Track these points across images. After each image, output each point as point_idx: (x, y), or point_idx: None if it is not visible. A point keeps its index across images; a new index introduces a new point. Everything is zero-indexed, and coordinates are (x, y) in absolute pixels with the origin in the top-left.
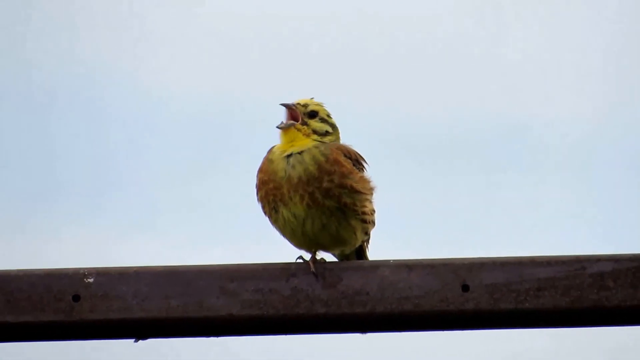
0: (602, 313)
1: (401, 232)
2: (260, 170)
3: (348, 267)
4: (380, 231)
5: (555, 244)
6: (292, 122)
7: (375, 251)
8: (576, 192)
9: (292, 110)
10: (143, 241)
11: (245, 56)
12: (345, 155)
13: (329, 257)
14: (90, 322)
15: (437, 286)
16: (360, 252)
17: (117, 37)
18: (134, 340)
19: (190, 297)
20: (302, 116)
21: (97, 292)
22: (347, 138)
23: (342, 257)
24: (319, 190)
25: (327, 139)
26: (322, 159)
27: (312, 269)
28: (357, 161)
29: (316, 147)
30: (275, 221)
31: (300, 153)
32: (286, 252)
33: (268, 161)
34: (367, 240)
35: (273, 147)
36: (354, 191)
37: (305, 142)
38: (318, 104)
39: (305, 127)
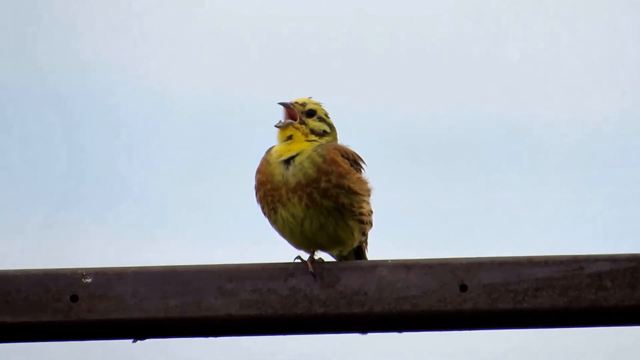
0: (600, 313)
1: (399, 232)
2: (259, 172)
3: (346, 267)
4: (378, 231)
5: (553, 244)
6: (290, 121)
7: (374, 251)
8: (574, 192)
9: (290, 109)
10: (141, 241)
11: (245, 56)
12: (342, 156)
13: (327, 257)
14: (89, 322)
15: (435, 286)
16: (359, 253)
17: (116, 37)
18: (132, 340)
19: (189, 297)
20: (300, 115)
21: (95, 293)
22: (347, 138)
23: (341, 258)
24: (316, 190)
25: (324, 139)
26: (319, 160)
27: (310, 269)
28: (354, 161)
29: (314, 149)
30: (274, 221)
31: (298, 158)
32: (284, 252)
33: (266, 162)
34: (365, 241)
35: (271, 149)
36: (352, 192)
37: (303, 145)
38: (316, 103)
39: (303, 126)
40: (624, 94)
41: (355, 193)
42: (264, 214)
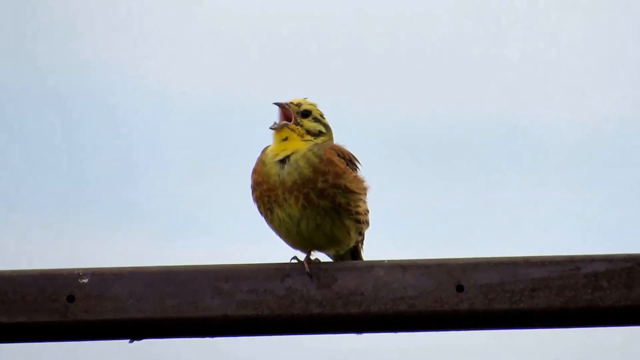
0: (596, 313)
1: (396, 233)
2: (254, 172)
3: (342, 268)
4: (375, 231)
5: (549, 244)
6: (285, 122)
7: (370, 251)
8: (571, 192)
9: (286, 110)
10: (138, 241)
11: (244, 55)
12: (338, 155)
13: (323, 257)
14: (85, 322)
15: (432, 286)
16: (355, 253)
17: (115, 37)
18: (129, 340)
19: (185, 297)
20: (295, 115)
21: (91, 293)
22: (346, 137)
23: (337, 258)
24: (313, 190)
25: (320, 139)
26: (315, 160)
27: (307, 269)
28: (350, 161)
29: (309, 149)
30: (270, 221)
31: (293, 157)
32: (281, 252)
33: (261, 163)
34: (362, 241)
35: (266, 148)
36: (348, 191)
37: (298, 145)
38: (311, 104)
39: (298, 127)
40: (624, 95)
41: (352, 192)
42: (261, 213)
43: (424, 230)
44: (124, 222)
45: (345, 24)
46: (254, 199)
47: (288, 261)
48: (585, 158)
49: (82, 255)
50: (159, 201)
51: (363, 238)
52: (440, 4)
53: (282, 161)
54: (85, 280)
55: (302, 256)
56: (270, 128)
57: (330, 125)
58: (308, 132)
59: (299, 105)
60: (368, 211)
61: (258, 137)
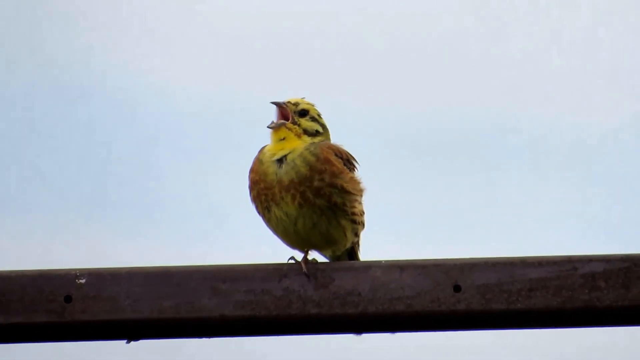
0: (594, 313)
1: (393, 232)
2: (252, 171)
3: (340, 268)
4: (372, 231)
5: (546, 244)
6: (282, 121)
7: (367, 251)
8: (568, 192)
9: (283, 109)
10: (134, 241)
11: (244, 54)
12: (336, 155)
13: (321, 258)
14: (82, 323)
15: (429, 287)
16: (352, 253)
17: (117, 35)
18: (126, 341)
19: (182, 297)
20: (292, 115)
21: (89, 293)
22: (343, 136)
23: (334, 258)
24: (309, 189)
25: (317, 138)
26: (312, 159)
27: (304, 269)
28: (348, 161)
29: (306, 148)
30: (268, 220)
31: (290, 156)
32: (278, 253)
33: (259, 162)
34: (358, 242)
35: (264, 148)
36: (344, 191)
37: (295, 144)
38: (309, 103)
39: (296, 126)
40: (624, 94)
41: (348, 192)
42: (258, 213)
43: (421, 230)
44: (121, 223)
45: (344, 22)
46: (251, 198)
47: (285, 261)
48: (583, 157)
49: (80, 255)
50: (155, 201)
51: (359, 240)
52: (440, 2)
53: (280, 160)
54: (83, 281)
55: (299, 256)
56: (268, 127)
57: (328, 125)
58: (305, 131)
59: (296, 104)
60: (364, 212)
61: (256, 136)
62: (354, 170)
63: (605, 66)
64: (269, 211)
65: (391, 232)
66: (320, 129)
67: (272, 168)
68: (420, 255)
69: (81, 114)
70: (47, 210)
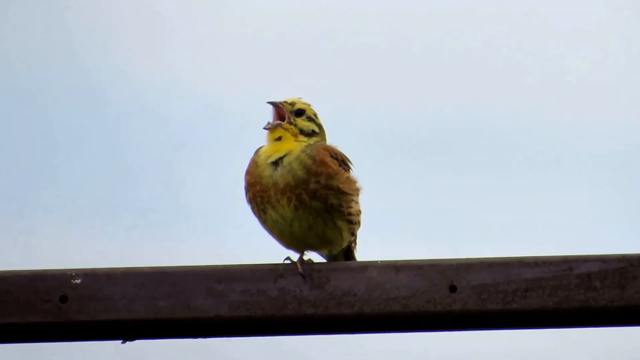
0: (590, 313)
1: (389, 233)
2: (247, 173)
3: (336, 268)
4: (368, 232)
5: (542, 244)
6: (278, 122)
7: (363, 252)
8: (564, 192)
9: (279, 108)
10: (130, 241)
11: (244, 54)
12: (331, 156)
13: (317, 258)
14: (78, 323)
15: (425, 287)
16: (348, 253)
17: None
18: (121, 341)
19: (178, 298)
20: (289, 114)
21: (84, 293)
22: (340, 137)
23: (330, 258)
24: (306, 191)
25: (313, 139)
26: (309, 161)
27: (300, 270)
28: (343, 162)
29: (302, 150)
30: (264, 222)
31: (286, 159)
32: (274, 253)
33: (254, 164)
34: (354, 242)
35: (259, 149)
36: (340, 192)
37: (291, 145)
38: (305, 103)
39: (292, 126)
40: (625, 94)
41: (344, 193)
42: (254, 214)
43: (416, 230)
44: (113, 223)
45: (342, 20)
46: (247, 200)
47: (281, 262)
48: (579, 158)
49: (75, 255)
50: (152, 202)
51: (355, 239)
52: (439, 1)
53: (275, 163)
54: (78, 281)
55: (295, 257)
56: (264, 128)
57: (324, 125)
58: (301, 131)
59: (292, 104)
60: (360, 212)
61: (253, 136)
62: (349, 171)
63: (605, 66)
64: (264, 213)
65: (387, 232)
66: (317, 129)
67: (268, 171)
68: (416, 256)
69: (74, 114)
70: (44, 210)
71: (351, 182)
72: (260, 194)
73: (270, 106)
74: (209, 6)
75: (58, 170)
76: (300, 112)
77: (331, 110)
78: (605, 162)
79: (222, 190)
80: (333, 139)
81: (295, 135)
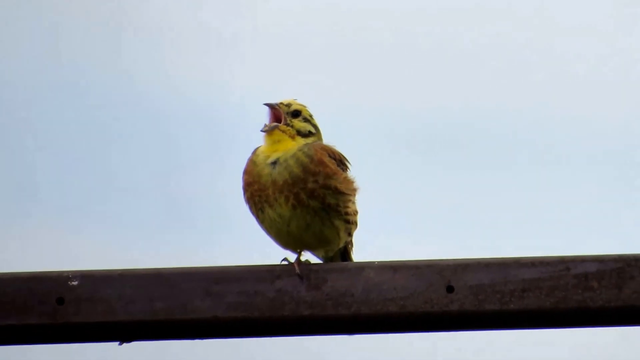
0: (587, 314)
1: (386, 233)
2: (245, 172)
3: (333, 269)
4: (365, 231)
5: (539, 244)
6: (275, 124)
7: (360, 251)
8: (561, 191)
9: (276, 110)
10: (128, 243)
11: (244, 53)
12: (329, 156)
13: (313, 259)
14: (75, 325)
15: (422, 287)
16: (345, 254)
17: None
18: (118, 343)
19: (175, 299)
20: (285, 116)
21: (81, 295)
22: (337, 135)
23: (327, 259)
24: (303, 191)
25: (310, 139)
26: (306, 160)
27: (297, 270)
28: (341, 161)
29: (299, 149)
30: (261, 221)
31: (285, 160)
32: (271, 254)
33: (252, 163)
34: (351, 242)
35: (257, 149)
36: (338, 192)
37: (289, 145)
38: (301, 104)
39: (289, 128)
40: (621, 94)
41: (342, 193)
42: (252, 213)
43: (413, 230)
44: (110, 224)
45: (350, 18)
46: (245, 200)
47: (278, 263)
48: (577, 158)
49: (72, 257)
50: (149, 202)
51: (352, 238)
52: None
53: (274, 162)
54: (75, 283)
55: (292, 257)
56: (261, 131)
57: (319, 126)
58: (299, 132)
59: (288, 105)
60: (357, 212)
61: (250, 136)
62: (347, 171)
63: (613, 63)
64: (262, 212)
65: (384, 233)
66: (313, 130)
67: (266, 170)
68: (413, 256)
69: (71, 114)
70: (42, 212)
71: (349, 182)
72: (258, 193)
73: (267, 108)
74: (213, 3)
75: (56, 172)
76: (296, 114)
77: (338, 108)
78: (604, 161)
79: (219, 190)
80: (339, 136)
81: (292, 137)
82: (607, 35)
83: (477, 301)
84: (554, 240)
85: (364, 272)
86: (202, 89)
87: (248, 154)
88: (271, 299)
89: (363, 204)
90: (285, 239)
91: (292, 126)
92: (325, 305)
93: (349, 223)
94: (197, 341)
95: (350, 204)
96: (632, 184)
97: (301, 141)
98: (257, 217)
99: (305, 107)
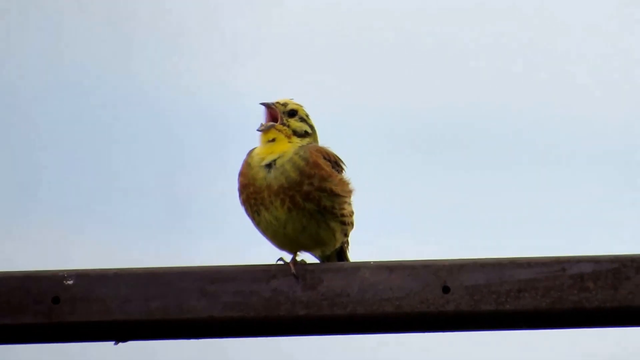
0: (583, 314)
1: (382, 233)
2: (241, 174)
3: (329, 269)
4: (361, 232)
5: (535, 245)
6: (272, 123)
7: (356, 251)
8: (557, 192)
9: (272, 109)
10: (123, 243)
11: (244, 52)
12: (324, 158)
13: (310, 259)
14: (70, 324)
15: (418, 288)
16: (341, 254)
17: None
18: (114, 342)
19: (171, 299)
20: (281, 115)
21: (77, 295)
22: (334, 135)
23: (323, 259)
24: (299, 193)
25: (306, 140)
26: (302, 163)
27: (293, 270)
28: (336, 163)
29: (295, 152)
30: (257, 223)
31: (280, 161)
32: (267, 254)
33: (247, 165)
34: (347, 242)
35: (252, 151)
36: (334, 194)
37: (285, 147)
38: (297, 104)
39: (285, 127)
40: (621, 94)
41: (338, 195)
42: (248, 215)
43: (409, 230)
44: (106, 224)
45: (353, 18)
46: (241, 201)
47: (274, 263)
48: (573, 158)
49: (67, 256)
50: (147, 202)
51: (348, 240)
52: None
53: (269, 165)
54: (71, 282)
55: (288, 257)
56: (258, 130)
57: (315, 126)
58: (295, 132)
59: (285, 105)
60: (353, 213)
61: (251, 136)
62: (342, 172)
63: (616, 62)
64: (258, 214)
65: (380, 233)
66: (309, 130)
67: (262, 173)
68: (409, 256)
69: (79, 115)
70: (37, 211)
71: (344, 184)
72: (254, 196)
73: (263, 107)
74: (217, 4)
75: (56, 172)
76: (292, 113)
77: (340, 107)
78: (605, 161)
79: (215, 190)
80: (341, 136)
81: (288, 137)
82: (609, 35)
83: (473, 301)
84: (550, 241)
85: (360, 272)
86: (204, 89)
87: (244, 155)
88: (267, 298)
89: (364, 204)
90: (281, 240)
91: (288, 126)
92: (321, 305)
93: (345, 224)
94: (192, 341)
95: (346, 206)
96: (633, 184)
97: (297, 141)
98: (253, 220)
99: (301, 106)
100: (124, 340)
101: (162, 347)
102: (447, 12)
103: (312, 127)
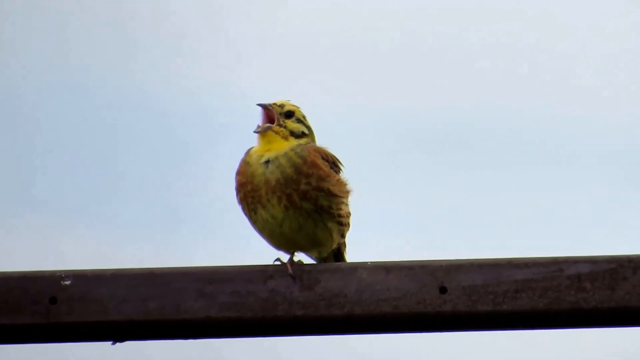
0: (580, 315)
1: (379, 233)
2: (238, 173)
3: (326, 269)
4: (359, 232)
5: (532, 245)
6: (268, 125)
7: (353, 252)
8: (556, 192)
9: (269, 111)
10: (121, 243)
11: (245, 52)
12: (322, 158)
13: (307, 259)
14: (68, 324)
15: (415, 288)
16: (338, 255)
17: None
18: (111, 342)
19: (168, 299)
20: (278, 116)
21: (74, 295)
22: (331, 135)
23: (320, 260)
24: (296, 192)
25: (303, 140)
26: (299, 161)
27: (290, 271)
28: (333, 163)
29: (292, 149)
30: (254, 222)
31: (276, 158)
32: (264, 254)
33: (245, 164)
34: (344, 243)
35: (250, 150)
36: (331, 194)
37: (282, 146)
38: (294, 105)
39: (282, 129)
40: (619, 94)
41: (335, 195)
42: (245, 214)
43: (406, 231)
44: (104, 224)
45: (357, 18)
46: (238, 200)
47: (271, 263)
48: (571, 159)
49: (65, 256)
50: (142, 203)
51: (345, 240)
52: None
53: (267, 162)
54: (68, 282)
55: (285, 258)
56: (254, 132)
57: (312, 127)
58: (292, 133)
59: (282, 106)
60: (350, 214)
61: (250, 136)
62: (339, 173)
63: (621, 63)
64: (255, 213)
65: (377, 233)
66: (306, 131)
67: (260, 170)
68: (406, 257)
69: (76, 115)
70: (34, 211)
71: (342, 184)
72: (251, 194)
73: (260, 108)
74: (220, 5)
75: (50, 171)
76: (289, 114)
77: (343, 107)
78: (609, 161)
79: (211, 191)
80: (343, 136)
81: (285, 138)
82: (614, 36)
83: (470, 302)
84: (548, 241)
85: (357, 273)
86: (207, 90)
87: (241, 155)
88: (264, 299)
89: (362, 204)
90: (278, 240)
91: (285, 127)
92: (318, 305)
93: (342, 225)
94: (189, 341)
95: (343, 206)
96: (635, 185)
97: (294, 142)
98: (250, 218)
99: (298, 107)
100: (122, 340)
101: (160, 348)
102: (450, 13)
103: (309, 128)
